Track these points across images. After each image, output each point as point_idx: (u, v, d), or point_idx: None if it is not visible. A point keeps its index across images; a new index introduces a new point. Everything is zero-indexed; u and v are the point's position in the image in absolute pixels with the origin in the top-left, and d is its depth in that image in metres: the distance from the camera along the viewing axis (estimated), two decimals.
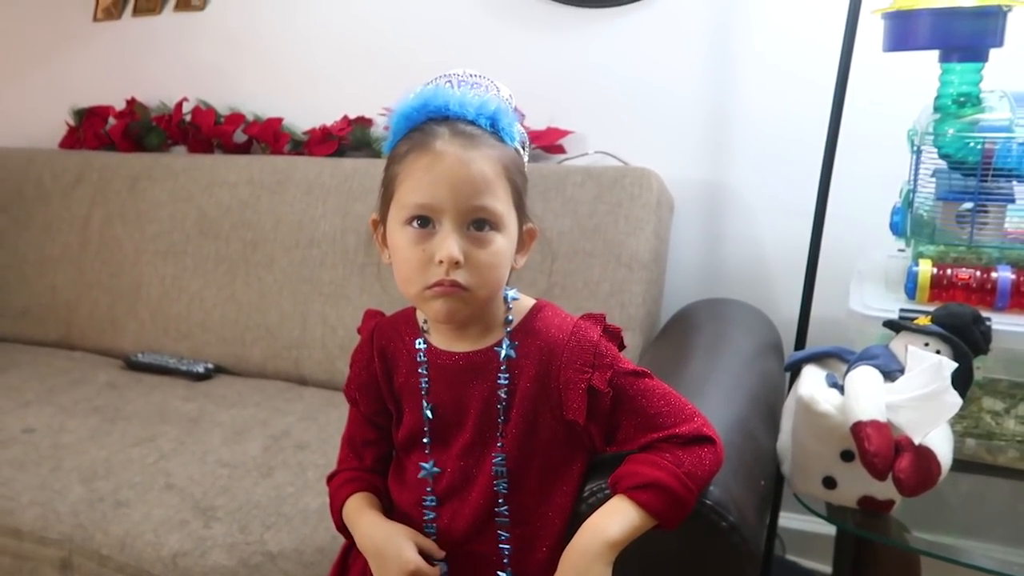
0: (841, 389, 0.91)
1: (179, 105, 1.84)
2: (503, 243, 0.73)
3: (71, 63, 2.01)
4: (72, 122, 1.96)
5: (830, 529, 1.41)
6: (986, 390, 1.04)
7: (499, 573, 0.78)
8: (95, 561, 1.03)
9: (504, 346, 0.77)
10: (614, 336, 0.79)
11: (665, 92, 1.51)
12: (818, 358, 1.00)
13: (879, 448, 0.80)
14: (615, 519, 0.72)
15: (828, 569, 1.43)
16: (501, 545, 0.78)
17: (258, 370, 1.56)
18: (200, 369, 1.54)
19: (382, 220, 0.78)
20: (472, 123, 0.73)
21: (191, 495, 1.10)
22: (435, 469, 0.80)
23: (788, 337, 1.35)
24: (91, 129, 1.93)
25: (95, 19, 1.97)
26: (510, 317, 0.79)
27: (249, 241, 1.60)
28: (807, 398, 0.90)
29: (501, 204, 0.73)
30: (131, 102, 1.90)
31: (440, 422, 0.79)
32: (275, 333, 1.55)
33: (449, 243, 0.70)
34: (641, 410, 0.76)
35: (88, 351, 1.71)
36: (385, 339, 0.84)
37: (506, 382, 0.77)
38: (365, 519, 0.81)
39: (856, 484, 0.89)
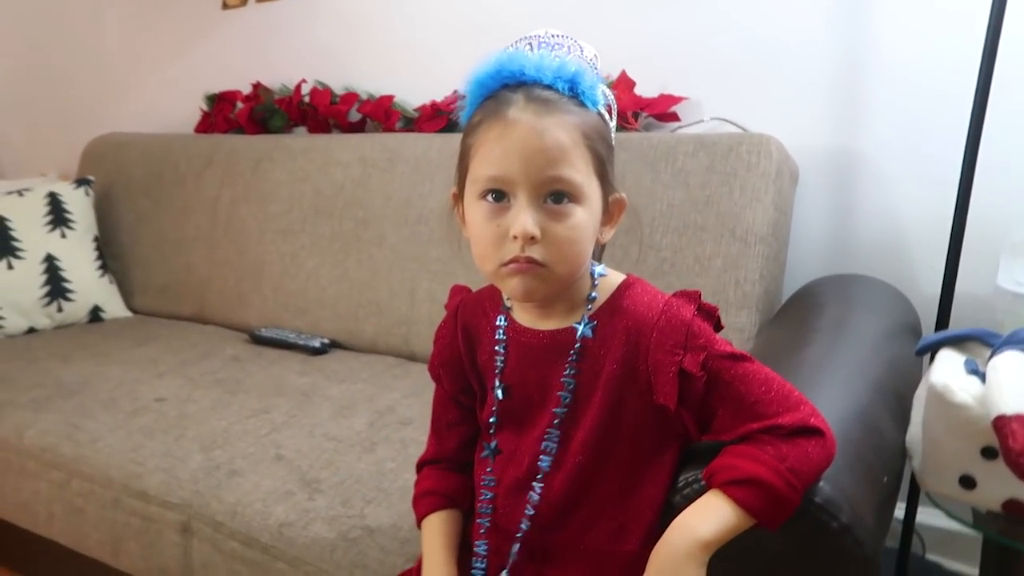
0: (982, 377, 0.80)
1: (298, 87, 1.89)
2: (583, 216, 0.68)
3: (203, 50, 2.12)
4: (205, 107, 2.07)
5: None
6: None
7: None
8: (211, 527, 1.08)
9: (582, 325, 0.73)
10: (709, 315, 0.72)
11: (788, 50, 1.39)
12: (957, 341, 0.88)
13: None
14: (709, 517, 0.66)
15: (975, 572, 1.30)
16: (587, 535, 0.74)
17: (370, 345, 1.59)
18: (316, 344, 1.59)
19: (460, 194, 0.75)
20: (549, 88, 0.68)
21: (298, 467, 1.13)
22: (498, 449, 0.78)
23: (927, 318, 1.23)
24: (221, 113, 2.03)
25: (224, 7, 2.06)
26: (593, 295, 0.74)
27: (361, 219, 1.62)
28: (941, 386, 0.79)
29: (579, 174, 0.68)
30: (256, 86, 1.98)
31: (523, 402, 0.76)
32: (385, 310, 1.57)
33: (523, 217, 0.66)
34: (739, 397, 0.69)
35: (219, 325, 1.81)
36: (469, 315, 0.82)
37: (575, 362, 0.73)
38: (431, 561, 0.79)
39: (1000, 485, 0.78)
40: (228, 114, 2.02)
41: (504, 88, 0.69)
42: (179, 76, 2.17)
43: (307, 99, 1.89)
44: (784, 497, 0.65)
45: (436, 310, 1.52)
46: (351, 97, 1.83)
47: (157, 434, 1.25)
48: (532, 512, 0.75)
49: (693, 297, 0.72)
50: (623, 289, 0.75)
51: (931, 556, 1.43)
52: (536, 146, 0.66)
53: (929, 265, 1.29)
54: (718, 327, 0.73)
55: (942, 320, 1.20)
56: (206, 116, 2.07)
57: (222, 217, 1.83)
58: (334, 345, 1.62)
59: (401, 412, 1.28)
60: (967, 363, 0.83)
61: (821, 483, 0.69)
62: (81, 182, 1.96)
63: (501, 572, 0.78)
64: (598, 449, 0.74)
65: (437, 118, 1.70)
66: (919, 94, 1.29)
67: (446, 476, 0.85)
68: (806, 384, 0.87)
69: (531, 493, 0.75)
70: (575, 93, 0.69)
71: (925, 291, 1.29)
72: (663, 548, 0.66)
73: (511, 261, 0.68)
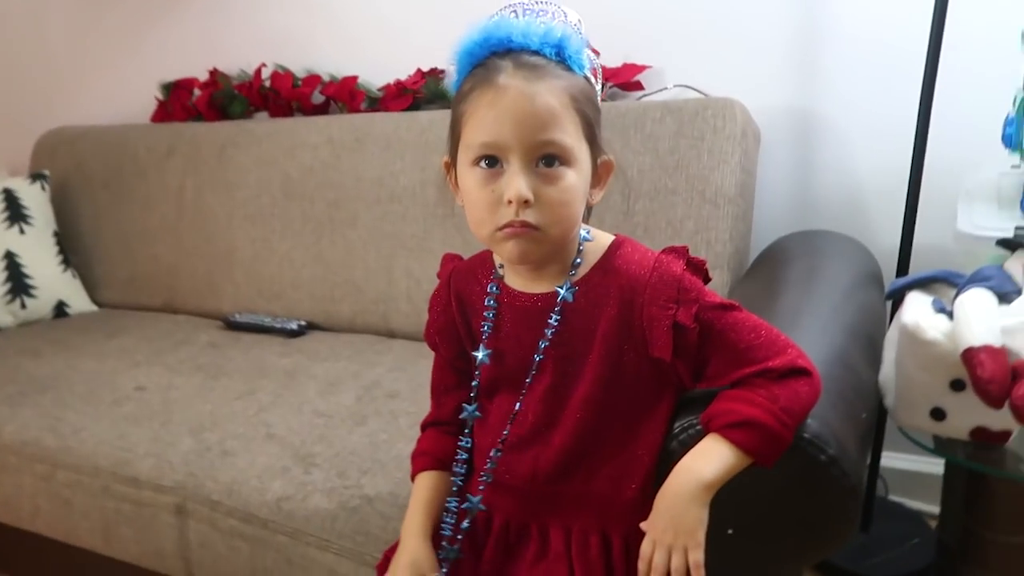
0: (950, 315, 0.85)
1: (258, 71, 1.87)
2: (575, 178, 0.71)
3: (155, 38, 2.08)
4: (161, 96, 2.03)
5: (937, 468, 1.35)
6: None
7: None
8: (207, 506, 1.09)
9: (564, 288, 0.76)
10: (698, 269, 0.75)
11: (746, 15, 1.44)
12: (923, 284, 0.94)
13: (994, 374, 0.75)
14: (710, 459, 0.70)
15: (935, 509, 1.37)
16: (590, 485, 0.78)
17: (348, 325, 1.60)
18: (293, 326, 1.59)
19: (453, 162, 0.77)
20: (537, 53, 0.70)
21: (291, 444, 1.14)
22: (476, 413, 0.82)
23: (888, 268, 1.28)
24: (178, 101, 1.99)
25: None
26: (578, 260, 0.77)
27: (332, 200, 1.62)
28: (912, 325, 0.85)
29: (570, 137, 0.70)
30: (213, 72, 1.95)
31: (520, 363, 0.79)
32: (362, 288, 1.58)
33: (517, 182, 0.68)
34: (731, 344, 0.73)
35: (190, 314, 1.79)
36: (462, 282, 0.84)
37: (558, 325, 0.75)
38: (409, 516, 0.83)
39: (968, 415, 0.84)
40: (186, 102, 1.99)
41: (492, 56, 0.71)
42: (131, 65, 2.12)
43: (268, 83, 1.87)
44: (779, 435, 0.69)
45: (415, 286, 1.53)
46: (314, 79, 1.82)
47: (143, 421, 1.25)
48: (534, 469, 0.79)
49: (681, 252, 0.76)
50: (614, 249, 0.78)
51: (893, 496, 1.50)
52: (527, 111, 0.68)
53: (888, 217, 1.35)
54: (706, 279, 0.77)
55: (902, 268, 1.26)
56: (162, 105, 2.04)
57: (188, 206, 1.81)
58: (311, 327, 1.63)
59: (388, 386, 1.30)
60: (935, 303, 0.88)
61: (809, 420, 0.73)
62: (36, 177, 1.92)
63: (505, 526, 0.81)
64: (599, 404, 0.77)
65: (403, 97, 1.70)
66: (873, 54, 1.34)
67: (442, 439, 0.87)
68: (785, 330, 0.91)
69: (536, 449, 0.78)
70: (562, 58, 0.70)
71: (884, 243, 1.35)
72: (668, 491, 0.70)
73: (506, 225, 0.70)
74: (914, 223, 1.23)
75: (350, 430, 1.16)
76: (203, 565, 1.11)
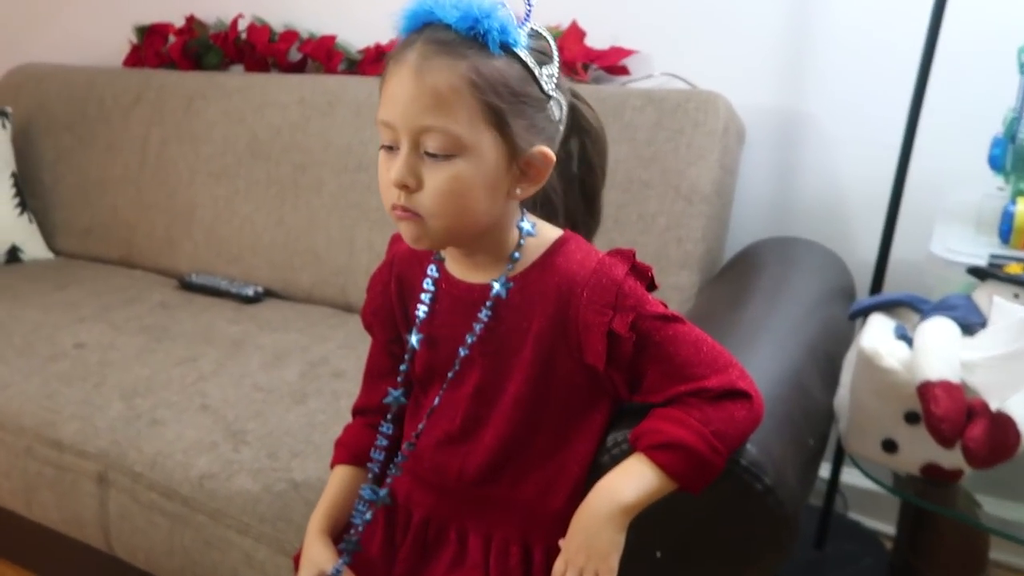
0: (910, 342, 0.81)
1: (234, 22, 1.80)
2: (466, 169, 0.64)
3: None
4: (134, 39, 1.95)
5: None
6: None
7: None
8: (129, 477, 1.04)
9: (499, 283, 0.71)
10: (642, 275, 0.70)
11: (739, 8, 1.37)
12: (888, 306, 0.89)
13: (948, 412, 0.71)
14: (630, 481, 0.66)
15: (892, 530, 1.34)
16: (515, 489, 0.73)
17: (306, 295, 1.55)
18: (250, 292, 1.54)
19: None
20: (449, 28, 0.63)
21: (224, 417, 1.09)
22: (401, 399, 0.79)
23: (863, 282, 1.24)
24: (152, 47, 1.92)
25: None
26: (516, 255, 0.72)
27: (299, 164, 1.56)
28: (870, 351, 0.80)
29: (458, 125, 0.63)
30: (190, 19, 1.87)
31: (453, 355, 0.74)
32: (323, 258, 1.52)
33: (399, 165, 0.64)
34: (668, 358, 0.68)
35: (147, 270, 1.73)
36: (405, 265, 0.79)
37: (489, 320, 0.71)
38: (314, 516, 0.81)
39: (920, 450, 0.80)
40: (159, 48, 1.91)
41: (419, 28, 0.65)
42: (106, 5, 2.03)
43: (244, 36, 1.79)
44: (707, 461, 0.65)
45: (375, 260, 1.46)
46: (291, 35, 1.74)
47: (75, 381, 1.20)
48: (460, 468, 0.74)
49: (627, 256, 0.70)
50: (558, 245, 0.73)
51: (852, 514, 1.47)
52: (411, 93, 0.63)
53: (867, 229, 1.30)
54: (652, 287, 0.72)
55: (877, 284, 1.21)
56: (135, 49, 1.96)
57: (151, 157, 1.74)
58: (268, 294, 1.57)
59: (335, 363, 1.25)
60: (896, 328, 0.84)
61: (748, 445, 0.69)
62: None
63: (424, 524, 0.77)
64: (528, 405, 0.73)
65: (381, 61, 1.63)
66: (865, 57, 1.29)
67: (364, 433, 0.83)
68: (741, 344, 0.87)
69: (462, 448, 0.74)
70: (476, 34, 0.63)
71: (861, 256, 1.30)
72: (584, 511, 0.66)
73: (394, 207, 0.67)
74: (892, 238, 1.18)
75: (288, 408, 1.12)
76: (121, 537, 1.07)
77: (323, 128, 1.55)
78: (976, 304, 0.80)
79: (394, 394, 0.79)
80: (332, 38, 1.69)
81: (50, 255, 1.83)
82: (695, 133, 1.26)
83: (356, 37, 1.70)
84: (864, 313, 0.91)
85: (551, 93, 0.67)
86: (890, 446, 0.81)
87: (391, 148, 0.66)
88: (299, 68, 1.76)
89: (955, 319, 0.78)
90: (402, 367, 0.78)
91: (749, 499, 0.68)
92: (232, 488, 0.98)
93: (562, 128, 0.71)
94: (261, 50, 1.75)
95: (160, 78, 1.79)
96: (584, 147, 0.76)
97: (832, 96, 1.33)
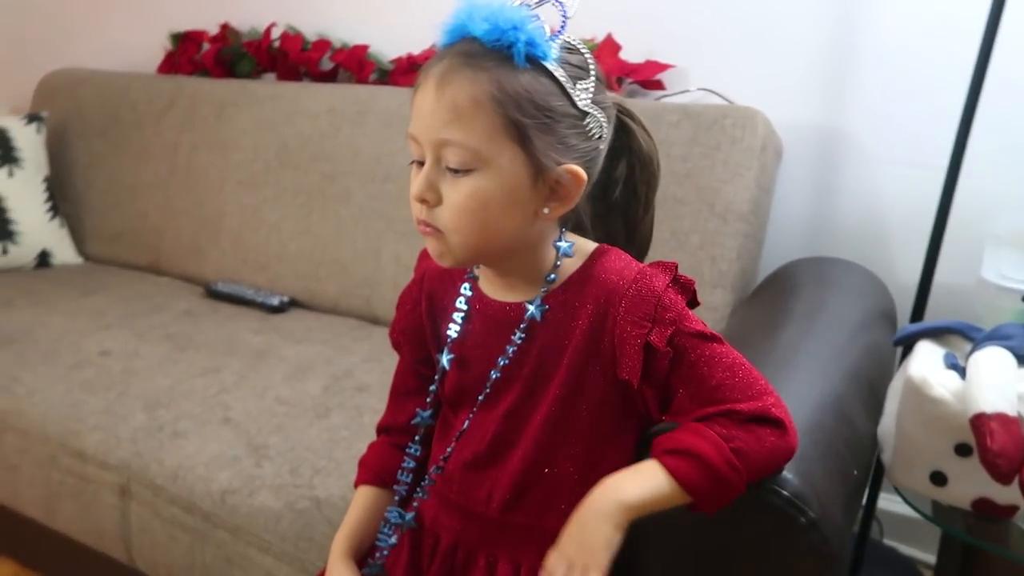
0: (961, 372, 0.77)
1: (268, 30, 1.80)
2: (484, 184, 0.62)
3: None
4: (169, 46, 1.96)
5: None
6: None
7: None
8: (150, 491, 1.03)
9: (534, 305, 0.69)
10: (685, 289, 0.67)
11: (778, 23, 1.34)
12: (936, 333, 0.85)
13: (1004, 447, 0.67)
14: (638, 481, 0.63)
15: (931, 559, 1.29)
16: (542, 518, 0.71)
17: (331, 306, 1.53)
18: (275, 302, 1.53)
19: None
20: (476, 40, 0.62)
21: (246, 431, 1.08)
22: (429, 420, 0.77)
23: (904, 307, 1.20)
24: (186, 54, 1.92)
25: None
26: (552, 276, 0.69)
27: (327, 173, 1.55)
28: (919, 379, 0.76)
29: (476, 139, 0.61)
30: (224, 27, 1.88)
31: (485, 376, 0.71)
32: (349, 269, 1.51)
33: (419, 180, 0.64)
34: (701, 379, 0.65)
35: (175, 277, 1.73)
36: (436, 282, 0.77)
37: (521, 341, 0.68)
38: (337, 539, 0.79)
39: (972, 484, 0.76)
40: (193, 55, 1.92)
41: (454, 41, 0.64)
42: (143, 11, 2.05)
43: (277, 44, 1.79)
44: (723, 477, 0.61)
45: (401, 272, 1.46)
46: (324, 44, 1.74)
47: (98, 390, 1.19)
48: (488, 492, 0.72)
49: (669, 268, 0.68)
50: (595, 257, 0.70)
51: (888, 540, 1.43)
52: (431, 106, 0.62)
53: (909, 252, 1.26)
54: (693, 303, 0.69)
55: (918, 309, 1.17)
56: (170, 56, 1.97)
57: (181, 164, 1.74)
58: (293, 304, 1.56)
59: (359, 377, 1.23)
60: (947, 357, 0.80)
61: (790, 475, 0.66)
62: (32, 118, 1.86)
63: (452, 549, 0.75)
64: (558, 427, 0.70)
65: (413, 72, 1.62)
66: (910, 75, 1.25)
67: (390, 454, 0.81)
68: (780, 368, 0.84)
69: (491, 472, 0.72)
70: (501, 47, 0.61)
71: (903, 279, 1.26)
72: (585, 504, 0.64)
73: (418, 221, 0.66)
74: (935, 262, 1.14)
75: (310, 423, 1.10)
76: (143, 551, 1.05)
77: (352, 138, 1.54)
78: None
79: (422, 415, 0.77)
80: (364, 47, 1.69)
81: (79, 260, 1.84)
82: (732, 150, 1.23)
83: (388, 47, 1.70)
84: (910, 340, 0.87)
85: (587, 109, 0.64)
86: (939, 479, 0.78)
87: (421, 163, 0.65)
88: (331, 77, 1.75)
89: (1010, 349, 0.74)
90: (432, 387, 0.75)
91: (792, 534, 0.65)
92: (254, 504, 0.96)
93: (603, 147, 0.68)
94: (294, 58, 1.75)
95: (193, 85, 1.80)
96: (632, 172, 0.73)
97: (874, 114, 1.29)
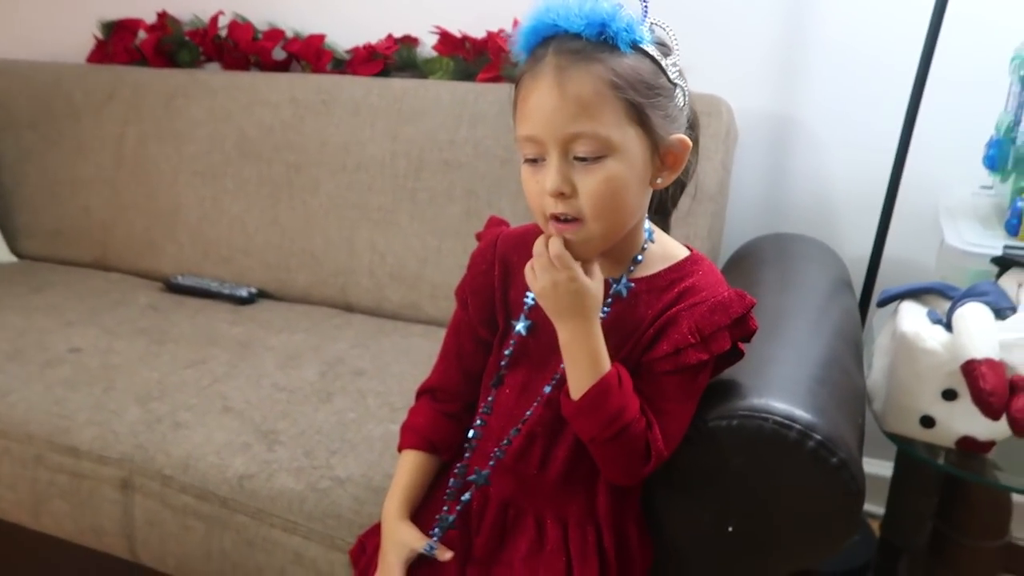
0: (945, 326, 0.87)
1: (214, 19, 1.75)
2: (617, 168, 0.67)
3: None
4: (100, 35, 1.88)
5: (883, 471, 1.40)
6: None
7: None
8: (158, 481, 1.01)
9: (621, 282, 0.74)
10: (743, 330, 0.74)
11: (733, 14, 1.43)
12: (916, 294, 0.95)
13: (995, 387, 0.77)
14: (599, 346, 0.70)
15: (877, 510, 1.42)
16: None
17: (303, 296, 1.52)
18: (243, 293, 1.50)
19: None
20: (578, 36, 0.66)
21: (251, 419, 1.07)
22: (502, 381, 0.79)
23: (856, 277, 1.31)
24: (120, 43, 1.85)
25: None
26: (640, 257, 0.74)
27: (292, 164, 1.54)
28: (911, 334, 0.86)
29: (605, 127, 0.66)
30: (162, 15, 1.82)
31: (548, 343, 0.74)
32: (321, 259, 1.50)
33: (551, 175, 0.66)
34: (649, 396, 0.72)
35: (125, 273, 1.67)
36: (510, 248, 0.80)
37: (603, 316, 0.72)
38: (391, 493, 0.82)
39: (956, 424, 0.86)
40: (129, 44, 1.84)
41: (543, 40, 0.67)
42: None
43: (224, 33, 1.75)
44: (600, 417, 0.70)
45: (378, 260, 1.47)
46: (276, 34, 1.71)
47: (81, 386, 1.15)
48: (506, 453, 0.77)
49: (746, 305, 0.73)
50: (693, 261, 0.76)
51: None
52: (555, 103, 0.65)
53: (858, 227, 1.38)
54: (739, 343, 0.75)
55: (871, 278, 1.29)
56: (101, 45, 1.88)
57: (128, 156, 1.68)
58: (262, 295, 1.54)
59: (352, 363, 1.24)
60: (930, 313, 0.90)
61: (819, 421, 0.73)
62: None
63: (503, 507, 0.79)
64: None
65: (373, 62, 1.63)
66: (857, 64, 1.36)
67: (437, 420, 0.84)
68: (775, 331, 0.92)
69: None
70: (606, 37, 0.66)
71: (851, 252, 1.38)
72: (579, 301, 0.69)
73: (552, 217, 0.68)
74: (886, 234, 1.26)
75: (315, 408, 1.10)
76: (149, 544, 1.03)
77: (318, 127, 1.53)
78: (1003, 290, 0.87)
79: (499, 376, 0.79)
80: (321, 37, 1.68)
81: (13, 258, 1.74)
82: (702, 135, 1.30)
83: (343, 37, 1.69)
84: (892, 300, 0.97)
85: (677, 81, 0.70)
86: (928, 422, 0.87)
87: (535, 161, 0.68)
88: (283, 67, 1.73)
89: (987, 304, 0.84)
90: (507, 352, 0.78)
91: (825, 473, 0.72)
92: (274, 487, 0.96)
93: (687, 112, 0.73)
94: (244, 48, 1.72)
95: (134, 75, 1.73)
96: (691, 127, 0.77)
97: (823, 102, 1.41)
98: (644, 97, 0.67)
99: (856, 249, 1.36)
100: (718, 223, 1.34)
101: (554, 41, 0.66)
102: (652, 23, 0.69)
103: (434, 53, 1.61)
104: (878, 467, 1.44)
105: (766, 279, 1.17)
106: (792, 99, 1.43)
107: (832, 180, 1.43)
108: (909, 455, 0.93)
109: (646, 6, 0.69)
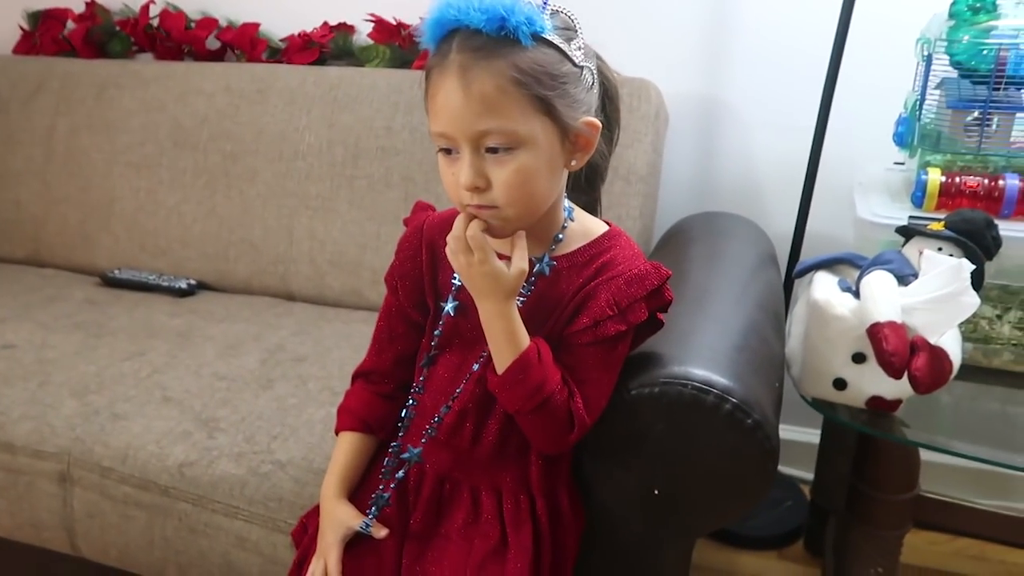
0: (854, 293, 0.92)
1: (145, 8, 1.73)
2: (528, 158, 0.69)
3: None
4: (26, 26, 1.83)
5: (811, 437, 1.47)
6: (980, 296, 1.06)
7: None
8: (96, 473, 1.01)
9: (544, 261, 0.76)
10: (660, 301, 0.77)
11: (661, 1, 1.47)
12: (829, 264, 1.00)
13: (896, 348, 0.82)
14: (516, 324, 0.73)
15: (807, 475, 1.49)
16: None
17: (243, 286, 1.52)
18: (182, 285, 1.50)
19: None
20: (479, 32, 0.66)
21: (191, 407, 1.08)
22: (432, 363, 0.81)
23: (781, 251, 1.36)
24: (48, 34, 1.80)
25: None
26: (560, 236, 0.77)
27: (229, 153, 1.53)
28: (822, 302, 0.91)
29: (512, 122, 0.67)
30: (91, 4, 1.78)
31: (479, 325, 0.77)
32: (260, 248, 1.50)
33: (465, 169, 0.69)
34: (583, 367, 0.76)
35: (59, 268, 1.64)
36: (436, 232, 0.82)
37: (523, 298, 0.75)
38: (328, 475, 0.83)
39: (866, 385, 0.91)
40: (57, 34, 1.80)
41: (447, 34, 0.68)
42: None
43: (155, 22, 1.73)
44: (524, 393, 0.73)
45: (318, 248, 1.48)
46: (209, 23, 1.69)
47: (14, 381, 1.14)
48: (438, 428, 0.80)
49: (662, 276, 0.76)
50: (610, 237, 0.79)
51: None
52: (461, 102, 0.67)
53: (783, 204, 1.43)
54: (656, 322, 0.79)
55: (795, 252, 1.34)
56: (27, 36, 1.84)
57: (59, 149, 1.65)
58: (202, 287, 1.53)
59: (293, 349, 1.25)
60: (840, 282, 0.95)
61: (735, 385, 0.77)
62: None
63: (440, 482, 0.81)
64: None
65: (308, 50, 1.62)
66: (777, 50, 1.42)
67: (372, 401, 0.86)
68: (699, 304, 0.96)
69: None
70: (506, 32, 0.66)
71: (777, 228, 1.43)
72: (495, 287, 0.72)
73: (468, 207, 0.71)
74: (808, 210, 1.32)
75: (256, 394, 1.11)
76: (89, 536, 1.03)
77: (254, 116, 1.52)
78: (907, 258, 0.92)
79: (429, 357, 0.82)
80: (256, 25, 1.67)
81: None
82: (631, 118, 1.34)
83: (278, 25, 1.68)
84: (807, 271, 1.02)
85: (582, 64, 0.72)
86: (840, 384, 0.92)
87: (449, 151, 0.70)
88: (218, 56, 1.71)
89: (891, 271, 0.90)
90: (436, 332, 0.80)
91: (741, 433, 0.76)
92: (215, 473, 0.97)
93: (596, 91, 0.75)
94: (176, 37, 1.70)
95: (63, 66, 1.70)
96: (603, 105, 0.80)
97: (747, 85, 1.46)
98: (549, 89, 0.68)
99: (781, 225, 1.41)
100: (650, 203, 1.38)
101: (457, 36, 0.67)
102: (553, 9, 0.70)
103: (370, 41, 1.61)
104: (809, 435, 1.51)
105: (695, 256, 1.21)
106: (719, 82, 1.48)
107: (758, 160, 1.49)
108: (825, 416, 0.98)
109: None
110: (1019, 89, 1.01)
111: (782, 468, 1.60)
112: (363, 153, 1.45)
